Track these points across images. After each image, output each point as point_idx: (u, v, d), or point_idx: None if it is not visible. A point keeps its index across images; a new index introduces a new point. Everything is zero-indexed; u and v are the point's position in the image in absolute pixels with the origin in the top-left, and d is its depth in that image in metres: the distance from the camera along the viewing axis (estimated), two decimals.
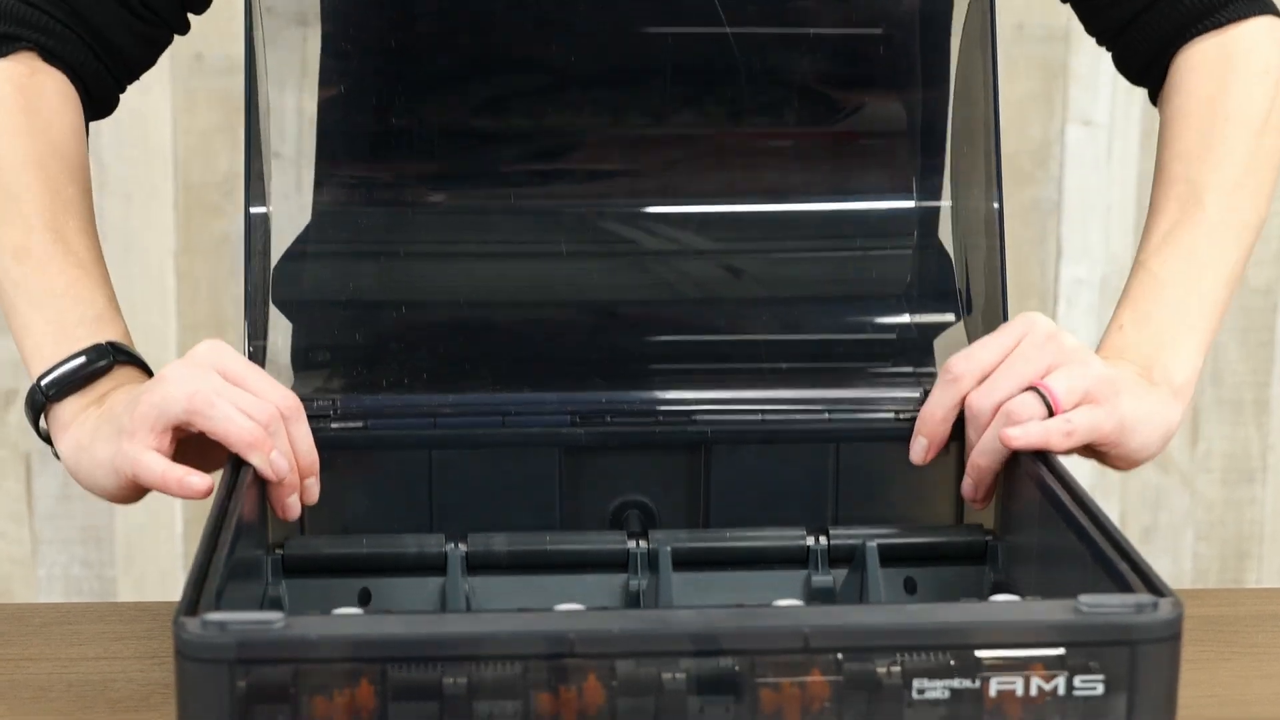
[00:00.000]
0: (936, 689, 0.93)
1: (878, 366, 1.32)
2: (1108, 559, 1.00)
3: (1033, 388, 1.15)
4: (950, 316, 1.33)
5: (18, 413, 2.35)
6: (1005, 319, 1.25)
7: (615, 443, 1.26)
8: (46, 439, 1.19)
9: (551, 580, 1.18)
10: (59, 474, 2.37)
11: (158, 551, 2.39)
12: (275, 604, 1.17)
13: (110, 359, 1.19)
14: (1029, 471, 1.13)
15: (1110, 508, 2.44)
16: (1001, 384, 1.16)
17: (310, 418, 1.16)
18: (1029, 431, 1.14)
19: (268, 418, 1.12)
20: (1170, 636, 0.93)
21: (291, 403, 1.14)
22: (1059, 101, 2.35)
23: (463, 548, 1.18)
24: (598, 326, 1.33)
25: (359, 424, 1.23)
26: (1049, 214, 2.38)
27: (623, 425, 1.26)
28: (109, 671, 1.15)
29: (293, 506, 1.15)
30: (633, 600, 1.18)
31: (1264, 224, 1.27)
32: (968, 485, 1.18)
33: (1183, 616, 0.94)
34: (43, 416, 1.19)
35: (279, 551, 1.18)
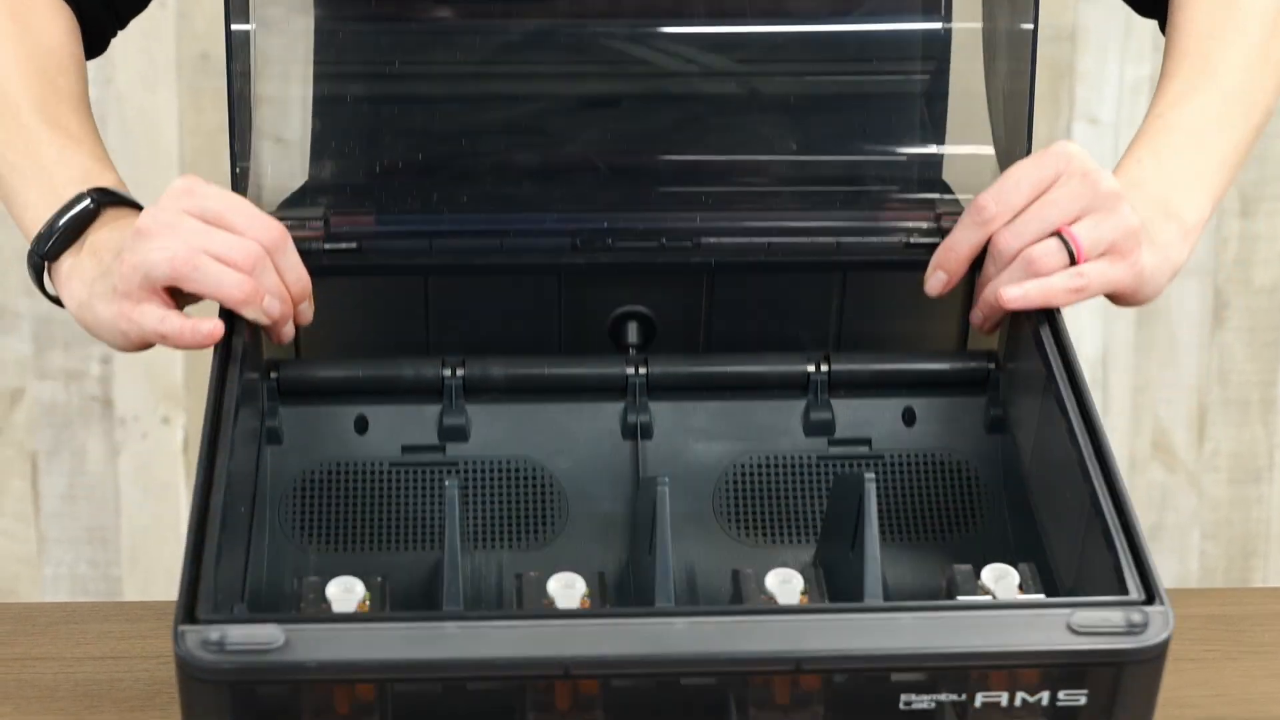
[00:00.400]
0: (923, 701, 0.95)
1: (889, 191, 1.28)
2: (1103, 517, 0.99)
3: (1059, 234, 1.13)
4: (970, 146, 1.30)
5: (23, 411, 2.35)
6: (1029, 148, 1.22)
7: (616, 269, 1.22)
8: (56, 301, 1.17)
9: (549, 410, 1.16)
10: (65, 474, 2.37)
11: (163, 551, 2.39)
12: (273, 436, 1.14)
13: (93, 202, 1.16)
14: (1032, 334, 1.12)
15: None
16: (1030, 227, 1.14)
17: (301, 239, 1.14)
18: (1028, 292, 1.13)
19: (253, 260, 1.10)
20: (1157, 656, 0.94)
21: (275, 234, 1.12)
22: (1065, 100, 2.35)
23: (460, 372, 1.16)
24: (602, 147, 1.29)
25: (353, 244, 1.21)
26: None
27: (624, 250, 1.22)
28: (115, 671, 1.16)
29: (287, 334, 1.14)
30: (630, 432, 1.16)
31: (1270, 117, 1.26)
32: (976, 315, 1.17)
33: (1170, 639, 0.95)
34: (47, 279, 1.17)
35: (274, 376, 1.15)
